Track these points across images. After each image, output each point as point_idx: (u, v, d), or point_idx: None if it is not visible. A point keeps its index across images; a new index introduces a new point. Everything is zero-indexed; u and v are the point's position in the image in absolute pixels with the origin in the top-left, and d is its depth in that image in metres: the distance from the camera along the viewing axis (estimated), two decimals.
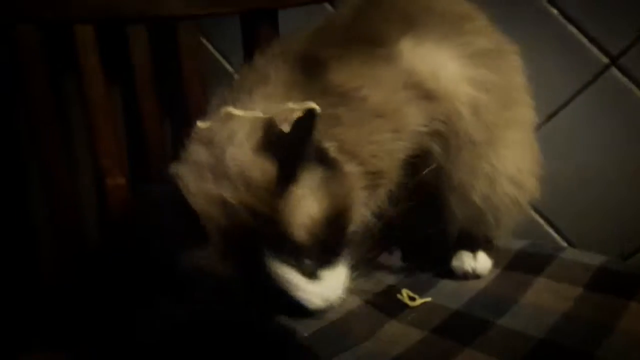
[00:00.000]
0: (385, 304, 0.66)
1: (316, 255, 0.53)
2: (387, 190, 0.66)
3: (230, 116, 0.57)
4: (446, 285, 0.69)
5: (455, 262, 0.71)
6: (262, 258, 0.51)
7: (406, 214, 0.68)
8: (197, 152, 0.56)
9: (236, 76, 1.08)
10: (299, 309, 0.52)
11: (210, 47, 1.14)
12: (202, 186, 0.52)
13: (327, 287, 0.53)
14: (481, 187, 0.67)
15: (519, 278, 0.68)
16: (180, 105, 0.79)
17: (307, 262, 0.53)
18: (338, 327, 0.62)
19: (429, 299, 0.65)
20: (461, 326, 0.60)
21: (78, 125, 0.78)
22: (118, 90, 0.82)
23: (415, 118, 0.64)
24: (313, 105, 0.52)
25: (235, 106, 0.58)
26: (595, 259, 0.71)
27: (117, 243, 0.78)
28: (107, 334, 0.62)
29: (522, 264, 0.72)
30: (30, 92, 0.67)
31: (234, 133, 0.55)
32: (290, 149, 0.52)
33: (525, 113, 0.71)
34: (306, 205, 0.53)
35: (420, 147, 0.65)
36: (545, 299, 0.63)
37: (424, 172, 0.66)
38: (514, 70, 0.70)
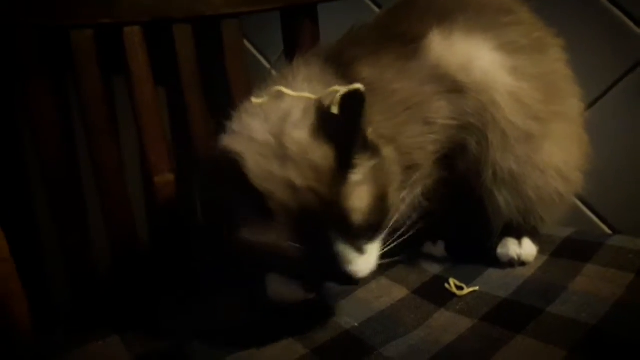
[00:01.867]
0: (433, 294, 0.66)
1: (365, 233, 0.56)
2: (422, 183, 0.66)
3: (281, 94, 0.60)
4: (492, 274, 0.70)
5: (500, 250, 0.71)
6: (326, 237, 0.53)
7: (446, 205, 0.68)
8: (252, 127, 0.58)
9: (274, 72, 1.11)
10: (348, 279, 0.55)
11: (247, 43, 1.16)
12: (266, 167, 0.54)
13: (370, 260, 0.56)
14: (534, 179, 0.67)
15: (567, 265, 0.68)
16: (226, 103, 0.80)
17: (358, 240, 0.55)
18: (387, 317, 0.63)
19: (476, 288, 0.66)
20: (511, 314, 0.61)
21: (124, 124, 0.80)
22: (164, 88, 0.84)
23: (443, 111, 0.64)
24: (359, 86, 0.53)
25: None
26: None
27: (167, 239, 0.80)
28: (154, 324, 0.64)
29: (569, 251, 0.71)
30: (87, 94, 0.69)
31: (288, 113, 0.57)
32: (344, 133, 0.55)
33: (573, 105, 0.71)
34: (361, 189, 0.55)
35: (453, 140, 0.66)
36: (596, 285, 0.63)
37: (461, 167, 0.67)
38: (557, 62, 0.70)
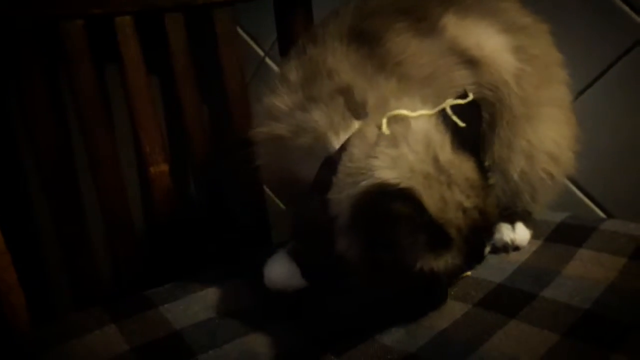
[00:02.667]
0: None
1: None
2: None
3: (402, 118, 0.56)
4: (487, 259, 0.69)
5: (494, 235, 0.72)
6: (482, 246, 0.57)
7: None
8: (403, 158, 0.54)
9: (275, 67, 1.09)
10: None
11: (240, 31, 1.15)
12: (436, 195, 0.53)
13: None
14: (519, 162, 0.68)
15: (561, 250, 0.69)
16: (219, 92, 0.80)
17: None
18: (382, 303, 0.63)
19: (468, 273, 0.66)
20: (505, 299, 0.61)
21: (118, 115, 0.80)
22: (157, 78, 0.83)
23: (467, 79, 0.64)
24: (472, 97, 0.55)
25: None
26: (638, 229, 0.70)
27: (163, 229, 0.81)
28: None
29: (563, 236, 0.72)
30: (80, 86, 0.69)
31: (426, 136, 0.55)
32: (471, 142, 0.56)
33: (563, 90, 0.72)
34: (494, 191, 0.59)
35: None
36: (589, 270, 0.64)
37: None
38: (550, 46, 0.71)
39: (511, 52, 0.66)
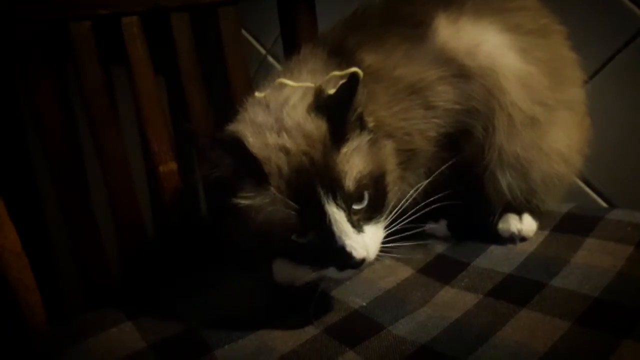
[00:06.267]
0: (438, 272, 0.68)
1: (362, 210, 0.57)
2: (423, 166, 0.68)
3: (283, 86, 0.63)
4: (495, 250, 0.71)
5: (501, 225, 0.73)
6: (319, 198, 0.55)
7: (449, 186, 0.69)
8: (254, 114, 0.62)
9: (270, 57, 1.11)
10: (345, 258, 0.56)
11: (243, 30, 1.16)
12: (263, 138, 0.58)
13: (369, 241, 0.57)
14: (540, 163, 0.69)
15: (568, 239, 0.70)
16: (225, 91, 0.81)
17: (354, 215, 0.57)
18: (394, 295, 0.64)
19: None
20: (515, 288, 0.62)
21: (125, 115, 0.80)
22: (163, 78, 0.84)
23: (447, 95, 0.65)
24: (356, 69, 0.56)
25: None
26: None
27: (172, 227, 0.81)
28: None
29: (570, 226, 0.73)
30: (88, 86, 0.69)
31: (288, 98, 0.61)
32: (338, 109, 0.57)
33: (578, 92, 0.72)
34: (354, 161, 0.58)
35: (457, 125, 0.67)
36: (597, 258, 0.65)
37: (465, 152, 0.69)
38: (563, 48, 0.71)
39: (516, 52, 0.66)
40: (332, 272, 0.58)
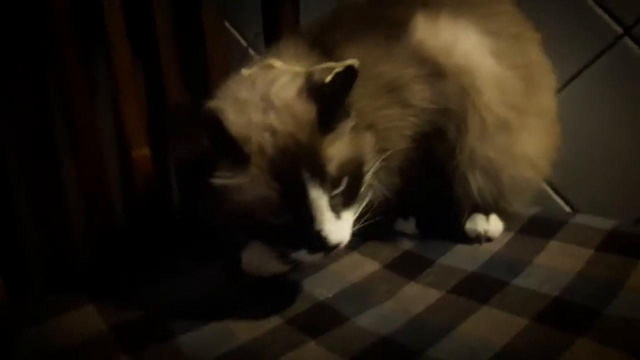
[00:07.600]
0: (404, 268, 0.69)
1: (338, 195, 0.57)
2: (397, 163, 0.68)
3: (272, 67, 0.62)
4: (461, 249, 0.72)
5: (468, 225, 0.74)
6: (302, 180, 0.55)
7: (419, 184, 0.70)
8: (238, 90, 0.60)
9: (251, 50, 1.11)
10: (321, 242, 0.56)
11: (226, 23, 1.15)
12: (245, 116, 0.57)
13: (344, 228, 0.58)
14: (510, 168, 0.70)
15: (533, 241, 0.71)
16: (204, 81, 0.80)
17: (334, 199, 0.57)
18: (360, 289, 0.65)
19: None
20: (477, 286, 0.63)
21: (100, 96, 0.79)
22: (141, 64, 0.83)
23: (423, 94, 0.66)
24: (354, 62, 0.56)
25: None
26: (606, 223, 0.73)
27: (144, 213, 0.80)
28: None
29: (535, 229, 0.74)
30: (64, 65, 0.68)
31: (276, 78, 0.60)
32: (331, 97, 0.57)
33: (550, 99, 0.74)
34: (339, 146, 0.58)
35: (432, 125, 0.68)
36: (558, 260, 0.66)
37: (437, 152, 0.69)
38: (538, 55, 0.72)
39: (492, 55, 0.67)
40: (302, 255, 0.57)
